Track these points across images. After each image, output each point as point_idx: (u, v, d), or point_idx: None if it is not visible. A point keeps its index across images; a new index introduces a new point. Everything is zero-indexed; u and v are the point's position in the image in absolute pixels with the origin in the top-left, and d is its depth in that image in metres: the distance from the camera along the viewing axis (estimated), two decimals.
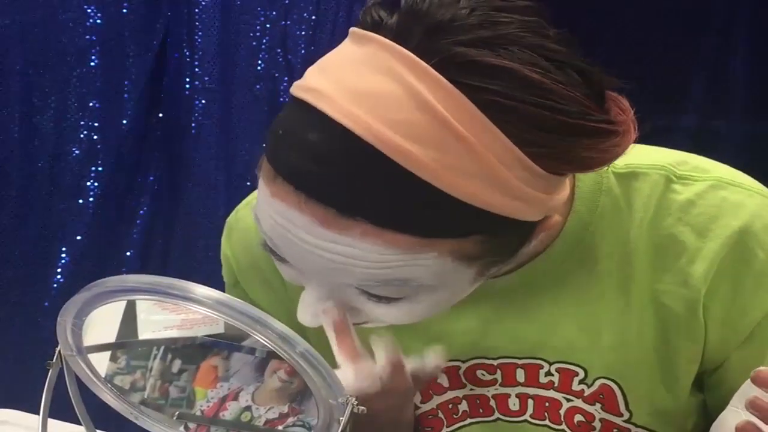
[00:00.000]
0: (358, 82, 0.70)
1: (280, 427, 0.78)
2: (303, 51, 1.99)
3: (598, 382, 0.88)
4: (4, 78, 2.02)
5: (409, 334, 0.86)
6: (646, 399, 0.88)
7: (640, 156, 0.88)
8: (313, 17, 1.99)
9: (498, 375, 0.90)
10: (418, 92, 0.68)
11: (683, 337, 0.87)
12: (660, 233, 0.85)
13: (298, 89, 0.73)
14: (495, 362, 0.89)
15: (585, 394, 0.89)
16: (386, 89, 0.69)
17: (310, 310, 0.77)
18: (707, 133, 2.07)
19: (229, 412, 0.79)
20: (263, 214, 0.74)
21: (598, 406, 0.89)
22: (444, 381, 0.91)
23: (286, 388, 0.78)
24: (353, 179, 0.69)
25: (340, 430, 0.71)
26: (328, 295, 0.76)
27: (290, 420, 0.78)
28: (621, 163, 0.86)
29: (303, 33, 2.00)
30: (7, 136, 2.04)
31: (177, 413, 0.79)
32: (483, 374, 0.90)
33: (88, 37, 2.02)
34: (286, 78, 1.97)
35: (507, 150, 0.70)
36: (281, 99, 1.97)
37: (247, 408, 0.79)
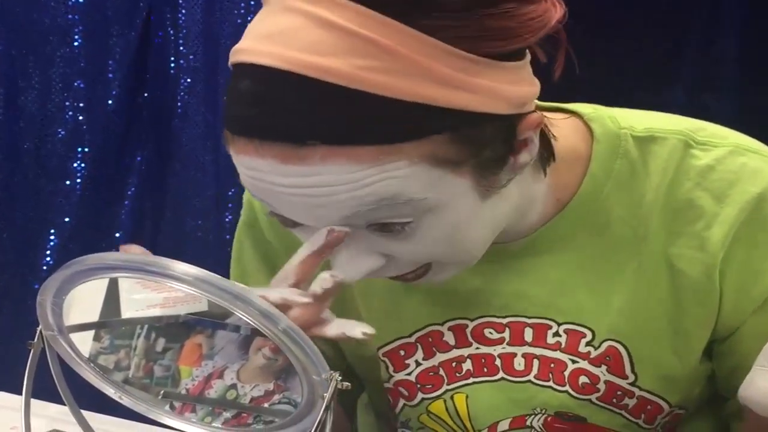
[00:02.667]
0: (268, 27, 0.73)
1: (265, 405, 0.78)
2: None
3: (605, 344, 0.89)
4: None
5: (423, 291, 0.89)
6: (652, 363, 0.89)
7: (658, 121, 0.89)
8: None
9: (506, 333, 0.91)
10: (319, 15, 0.70)
11: (696, 302, 0.87)
12: (677, 197, 0.87)
13: (230, 58, 0.76)
14: (504, 320, 0.90)
15: (591, 356, 0.89)
16: (291, 23, 0.71)
17: (349, 265, 0.78)
18: (696, 109, 2.06)
19: (214, 390, 0.79)
20: (243, 177, 0.76)
21: (603, 368, 0.89)
22: (450, 339, 0.92)
23: (270, 366, 0.77)
24: (289, 108, 0.71)
25: (324, 406, 0.71)
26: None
27: (276, 397, 0.78)
28: (640, 126, 0.88)
29: None
30: None
31: (162, 392, 0.79)
32: (491, 332, 0.91)
33: (70, 16, 2.01)
34: None
35: (421, 42, 0.70)
36: None
37: (233, 386, 0.79)
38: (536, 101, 0.86)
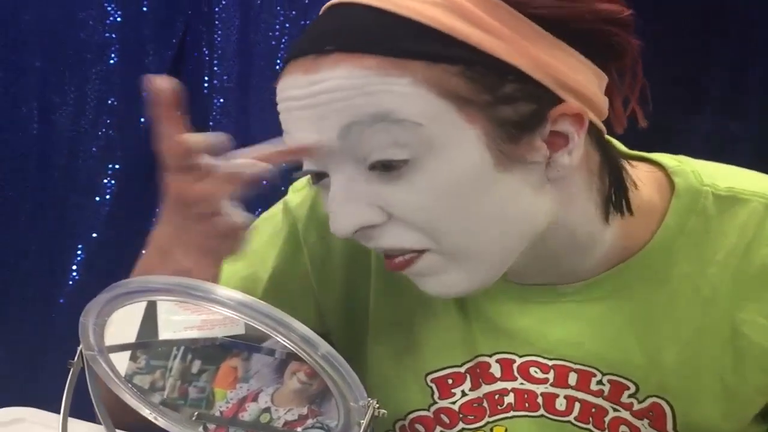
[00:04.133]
0: None
1: (299, 429, 0.78)
2: None
3: (649, 400, 0.88)
4: (23, 74, 2.02)
5: (477, 323, 0.90)
6: (697, 423, 0.88)
7: (743, 181, 0.88)
8: None
9: (551, 375, 0.90)
10: None
11: (759, 369, 0.86)
12: (753, 262, 0.85)
13: None
14: (550, 362, 0.90)
15: (634, 408, 0.88)
16: None
17: (342, 214, 0.78)
18: (724, 136, 2.06)
19: (248, 414, 0.79)
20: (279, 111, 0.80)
21: (645, 421, 0.88)
22: (497, 371, 0.92)
23: (305, 390, 0.77)
24: (324, 28, 0.77)
25: None
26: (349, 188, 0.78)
27: (309, 422, 0.78)
28: (723, 185, 0.87)
29: None
30: (26, 133, 2.04)
31: (196, 414, 0.79)
32: (536, 371, 0.90)
33: (107, 34, 2.03)
34: None
35: None
36: None
37: (267, 409, 0.79)
38: (622, 148, 0.86)
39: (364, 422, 0.70)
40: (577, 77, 0.77)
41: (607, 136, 0.85)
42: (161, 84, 0.80)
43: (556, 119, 0.77)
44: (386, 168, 0.76)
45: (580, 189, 0.83)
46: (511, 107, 0.75)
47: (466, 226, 0.78)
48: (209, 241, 0.82)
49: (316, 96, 0.75)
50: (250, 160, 0.80)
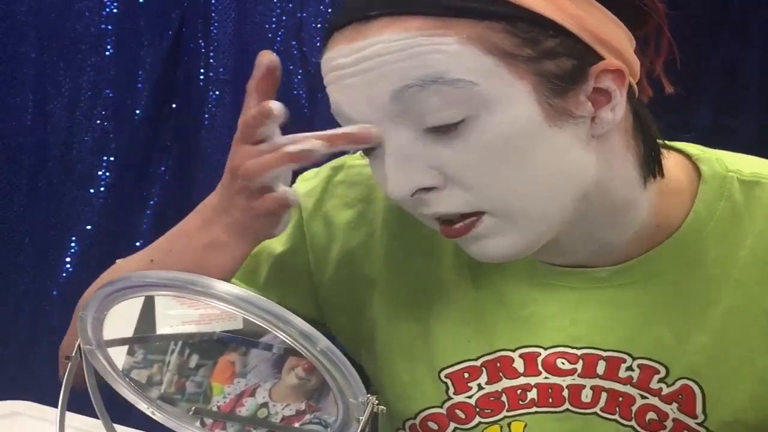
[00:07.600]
0: None
1: (296, 424, 0.78)
2: (318, 44, 1.99)
3: (679, 382, 0.88)
4: (18, 65, 2.02)
5: (498, 314, 0.89)
6: (727, 406, 0.87)
7: (765, 167, 0.89)
8: (329, 10, 1.99)
9: (579, 365, 0.89)
10: None
11: None
12: None
13: None
14: (579, 352, 0.89)
15: (663, 393, 0.88)
16: None
17: (399, 176, 0.79)
18: (721, 130, 2.06)
19: (245, 408, 0.79)
20: (327, 85, 0.80)
21: (674, 405, 0.88)
22: (520, 366, 0.90)
23: (303, 385, 0.77)
24: None
25: (359, 429, 0.70)
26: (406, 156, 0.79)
27: (307, 417, 0.77)
28: (747, 171, 0.88)
29: (319, 26, 1.99)
30: (20, 124, 2.04)
31: (193, 408, 0.79)
32: (563, 363, 0.89)
33: (103, 26, 2.02)
34: (300, 71, 1.96)
35: None
36: (295, 92, 1.96)
37: (264, 404, 0.79)
38: None
39: (363, 418, 0.70)
40: (612, 35, 0.79)
41: None
42: (273, 63, 0.83)
43: (598, 75, 0.78)
44: (442, 128, 0.77)
45: (618, 148, 0.83)
46: (553, 62, 0.76)
47: (523, 182, 0.79)
48: (251, 220, 0.83)
49: (364, 62, 0.76)
50: (315, 141, 0.80)
